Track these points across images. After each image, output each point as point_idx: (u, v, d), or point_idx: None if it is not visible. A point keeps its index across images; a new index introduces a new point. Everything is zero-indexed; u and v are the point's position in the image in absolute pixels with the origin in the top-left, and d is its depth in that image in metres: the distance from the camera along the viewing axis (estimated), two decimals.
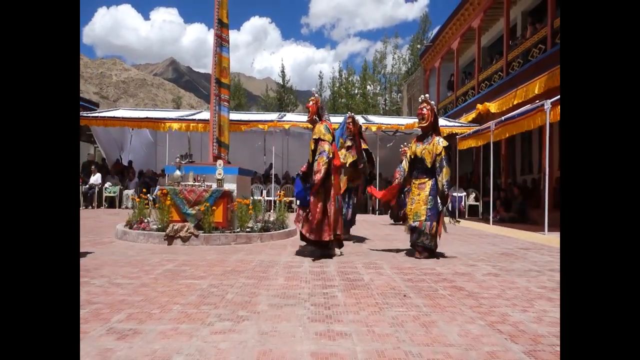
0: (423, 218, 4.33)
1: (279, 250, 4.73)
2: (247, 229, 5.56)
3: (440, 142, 4.41)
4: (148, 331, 2.03)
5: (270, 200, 11.21)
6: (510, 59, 12.45)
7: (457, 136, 11.68)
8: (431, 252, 4.41)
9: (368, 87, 31.11)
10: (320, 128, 4.37)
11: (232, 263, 3.90)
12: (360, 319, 2.29)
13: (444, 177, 4.30)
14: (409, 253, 4.62)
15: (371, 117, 15.00)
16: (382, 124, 12.82)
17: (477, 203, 11.90)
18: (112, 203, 12.38)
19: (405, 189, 5.29)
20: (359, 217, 11.21)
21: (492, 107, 11.56)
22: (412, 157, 4.59)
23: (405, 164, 4.69)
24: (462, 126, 12.72)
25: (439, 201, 4.35)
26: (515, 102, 10.23)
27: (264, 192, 11.81)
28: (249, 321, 2.21)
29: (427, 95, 4.82)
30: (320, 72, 33.05)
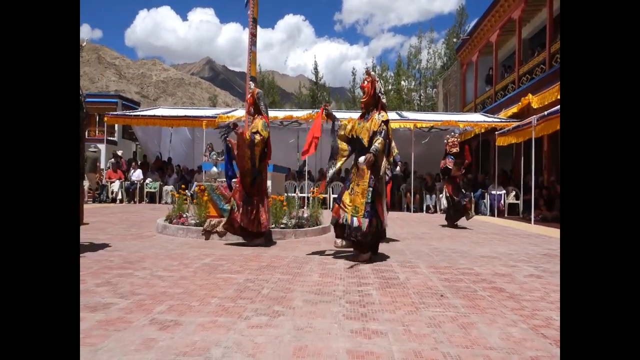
0: (361, 214, 3.77)
1: (313, 247, 4.75)
2: (282, 225, 5.62)
3: (379, 117, 3.88)
4: (188, 323, 2.09)
5: (304, 197, 11.28)
6: (553, 51, 11.88)
7: (496, 132, 11.29)
8: (366, 248, 3.88)
9: (402, 82, 30.61)
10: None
11: (267, 258, 3.95)
12: (396, 318, 2.26)
13: (376, 144, 3.75)
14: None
15: (405, 113, 14.76)
16: (417, 120, 12.59)
17: (518, 201, 11.47)
18: (152, 198, 12.86)
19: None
20: (393, 214, 11.11)
21: (534, 101, 11.08)
22: (350, 137, 4.06)
23: (341, 145, 4.10)
24: (501, 121, 12.29)
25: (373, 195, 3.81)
26: (558, 96, 9.75)
27: (298, 189, 11.90)
28: (285, 316, 2.23)
29: (368, 66, 4.61)
30: (354, 69, 32.78)
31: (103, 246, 4.45)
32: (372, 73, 4.17)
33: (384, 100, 4.06)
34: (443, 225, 7.87)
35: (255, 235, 4.68)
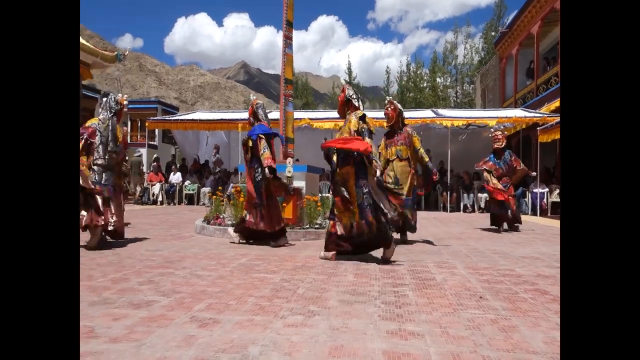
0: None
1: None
2: (316, 226, 5.65)
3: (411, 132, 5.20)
4: (226, 321, 2.14)
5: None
6: None
7: (538, 128, 10.83)
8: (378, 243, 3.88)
9: (438, 79, 29.97)
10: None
11: (302, 258, 3.98)
12: (434, 319, 2.22)
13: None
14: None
15: (441, 111, 14.44)
16: (454, 117, 12.28)
17: None
18: (191, 200, 13.28)
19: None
20: (429, 214, 10.90)
21: None
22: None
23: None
24: (543, 116, 11.77)
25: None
26: None
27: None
28: (320, 316, 2.24)
29: (389, 97, 5.37)
30: (387, 67, 32.40)
31: (146, 246, 4.65)
32: (394, 102, 5.14)
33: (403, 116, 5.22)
34: (488, 229, 7.63)
35: (278, 234, 4.74)
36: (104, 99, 4.78)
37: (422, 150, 5.14)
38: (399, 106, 5.16)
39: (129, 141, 14.96)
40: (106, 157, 4.54)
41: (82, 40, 15.11)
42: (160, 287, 2.80)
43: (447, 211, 11.72)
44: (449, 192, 11.93)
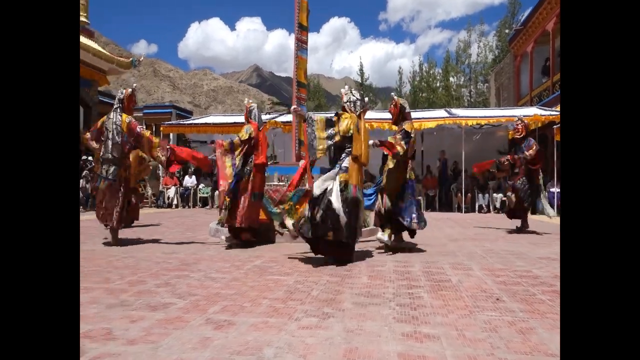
0: None
1: (361, 249, 4.72)
2: None
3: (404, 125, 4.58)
4: (241, 323, 2.16)
5: None
6: None
7: (555, 126, 10.63)
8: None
9: (451, 79, 29.70)
10: (242, 129, 5.02)
11: (316, 260, 3.98)
12: (449, 321, 2.19)
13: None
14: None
15: (455, 111, 14.29)
16: (468, 117, 12.15)
17: None
18: (205, 202, 13.41)
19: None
20: (443, 215, 10.79)
21: None
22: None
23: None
24: (560, 114, 11.55)
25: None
26: None
27: None
28: (334, 318, 2.23)
29: (393, 94, 5.09)
30: (400, 67, 32.26)
31: (162, 249, 4.71)
32: (396, 98, 4.84)
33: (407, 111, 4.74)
34: (511, 230, 7.53)
35: (239, 230, 4.97)
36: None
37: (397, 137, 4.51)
38: (401, 101, 4.78)
39: None
40: (113, 152, 4.87)
41: (98, 47, 15.44)
42: (176, 290, 2.84)
43: (461, 212, 11.59)
44: (463, 193, 11.80)
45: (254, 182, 4.98)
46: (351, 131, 3.89)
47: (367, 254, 4.37)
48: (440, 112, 14.13)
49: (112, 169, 4.85)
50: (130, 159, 5.33)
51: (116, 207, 4.86)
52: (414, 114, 13.32)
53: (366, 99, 4.50)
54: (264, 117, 6.09)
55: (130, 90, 5.23)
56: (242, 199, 4.96)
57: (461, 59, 30.11)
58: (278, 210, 5.61)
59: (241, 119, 16.25)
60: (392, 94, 5.24)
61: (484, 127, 13.00)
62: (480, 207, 11.87)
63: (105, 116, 5.04)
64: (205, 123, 13.98)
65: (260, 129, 5.16)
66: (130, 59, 17.01)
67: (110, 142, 4.90)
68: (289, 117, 12.63)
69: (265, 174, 6.00)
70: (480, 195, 11.95)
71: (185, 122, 14.70)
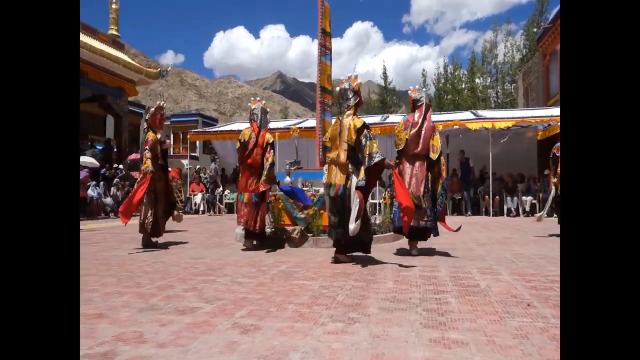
0: None
1: (386, 254, 4.68)
2: None
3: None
4: (267, 328, 2.17)
5: (375, 203, 11.19)
6: None
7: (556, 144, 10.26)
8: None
9: (477, 80, 29.16)
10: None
11: (341, 266, 3.97)
12: (478, 327, 2.14)
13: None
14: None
15: (481, 112, 14.02)
16: (494, 118, 11.89)
17: None
18: (231, 209, 13.61)
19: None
20: (470, 219, 10.56)
21: None
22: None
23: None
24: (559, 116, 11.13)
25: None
26: None
27: (369, 195, 11.83)
28: (360, 323, 2.22)
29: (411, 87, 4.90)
30: (424, 70, 31.91)
31: (189, 254, 4.81)
32: (412, 89, 4.84)
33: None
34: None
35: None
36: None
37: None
38: (413, 95, 4.73)
39: (171, 152, 15.58)
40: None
41: (128, 59, 16.00)
42: (204, 294, 2.89)
43: (489, 215, 11.32)
44: (491, 196, 11.52)
45: (240, 181, 5.24)
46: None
47: (392, 259, 4.33)
48: (466, 114, 13.89)
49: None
50: (163, 173, 5.62)
51: (148, 218, 5.33)
52: (439, 117, 13.13)
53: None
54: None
55: (153, 109, 5.63)
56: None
57: (487, 60, 29.54)
58: (302, 215, 5.65)
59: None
60: (411, 87, 5.05)
61: (512, 129, 12.69)
62: (509, 210, 11.56)
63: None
64: (231, 130, 14.23)
65: (262, 130, 5.24)
66: (158, 69, 17.56)
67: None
68: (312, 123, 12.69)
69: (290, 179, 6.05)
70: (508, 198, 11.64)
71: (210, 130, 15.01)
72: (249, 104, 5.57)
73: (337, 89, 4.30)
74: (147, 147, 5.38)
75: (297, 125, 13.43)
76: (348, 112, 4.15)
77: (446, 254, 4.62)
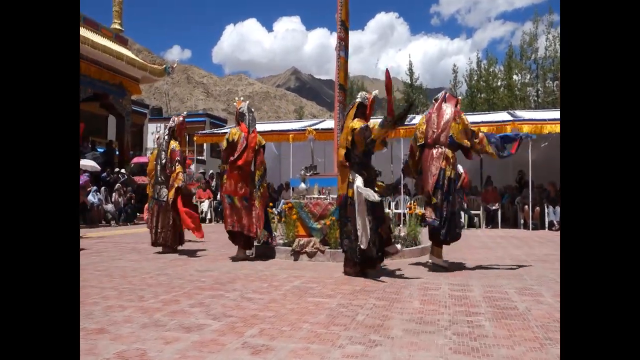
0: None
1: (412, 270, 4.65)
2: None
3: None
4: (280, 348, 2.19)
5: (400, 214, 11.13)
6: None
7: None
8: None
9: (514, 77, 28.79)
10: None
11: (361, 282, 3.97)
12: (516, 355, 2.12)
13: None
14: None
15: (519, 113, 13.83)
16: (535, 120, 11.72)
17: None
18: None
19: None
20: (507, 232, 10.38)
21: None
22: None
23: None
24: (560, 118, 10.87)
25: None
26: None
27: (393, 204, 11.78)
28: (382, 347, 2.22)
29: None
30: (455, 66, 31.67)
31: (195, 266, 4.87)
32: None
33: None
34: None
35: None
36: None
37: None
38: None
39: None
40: (161, 175, 5.90)
41: (131, 55, 16.40)
42: (211, 310, 2.93)
43: (528, 229, 11.12)
44: (530, 207, 11.33)
45: (227, 183, 5.37)
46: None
47: (418, 275, 4.30)
48: (503, 115, 13.72)
49: (163, 191, 5.87)
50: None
51: (168, 227, 5.87)
52: (471, 117, 13.01)
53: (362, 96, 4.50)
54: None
55: (181, 118, 6.25)
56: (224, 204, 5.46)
57: (526, 54, 29.12)
58: (319, 226, 5.67)
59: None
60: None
61: (555, 132, 12.47)
62: (551, 223, 11.32)
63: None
64: None
65: (252, 130, 5.42)
66: (164, 65, 17.93)
67: (159, 167, 5.96)
68: (330, 124, 12.74)
69: (306, 186, 6.08)
70: (550, 209, 11.41)
71: (219, 131, 15.20)
72: (234, 103, 5.78)
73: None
74: (177, 157, 5.81)
75: (313, 127, 13.50)
76: (349, 115, 4.37)
77: (479, 271, 4.56)
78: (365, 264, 4.19)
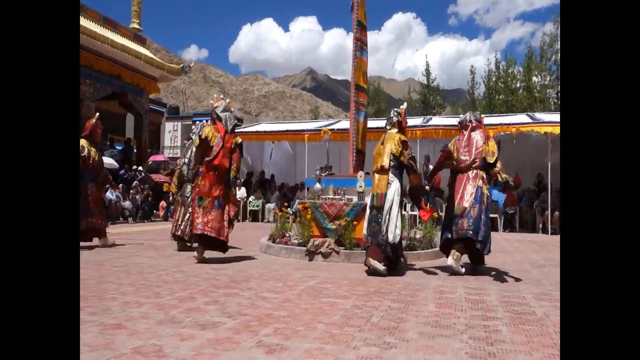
0: None
1: (427, 273, 4.62)
2: None
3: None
4: (294, 348, 2.20)
5: (415, 216, 11.05)
6: None
7: None
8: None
9: (534, 78, 28.36)
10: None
11: (376, 283, 3.96)
12: None
13: None
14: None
15: (539, 115, 13.62)
16: (555, 122, 11.52)
17: None
18: (255, 216, 13.81)
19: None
20: (525, 236, 10.22)
21: None
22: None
23: None
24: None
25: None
26: None
27: (409, 206, 11.71)
28: (397, 349, 2.21)
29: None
30: (472, 67, 31.33)
31: (211, 264, 4.92)
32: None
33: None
34: None
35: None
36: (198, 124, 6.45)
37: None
38: (460, 118, 5.34)
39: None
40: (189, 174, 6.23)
41: (150, 54, 16.63)
42: (226, 308, 2.95)
43: (547, 233, 10.93)
44: (550, 211, 11.14)
45: (201, 184, 5.17)
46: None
47: (434, 278, 4.27)
48: (522, 117, 13.53)
49: (188, 187, 6.21)
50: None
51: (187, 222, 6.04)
52: (489, 119, 12.85)
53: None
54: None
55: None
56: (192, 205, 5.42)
57: (546, 56, 28.65)
58: (334, 226, 5.67)
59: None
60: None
61: None
62: None
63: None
64: (257, 131, 14.46)
65: (229, 130, 5.29)
66: (181, 65, 18.14)
67: (185, 168, 6.30)
68: (345, 124, 12.72)
69: (321, 186, 6.08)
70: None
71: (235, 131, 15.30)
72: (211, 101, 5.69)
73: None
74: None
75: (329, 127, 13.50)
76: (391, 129, 4.87)
77: (496, 276, 4.51)
78: (394, 261, 4.59)
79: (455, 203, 4.67)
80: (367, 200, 4.86)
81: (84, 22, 13.47)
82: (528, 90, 27.98)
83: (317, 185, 6.12)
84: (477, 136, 4.91)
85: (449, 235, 4.67)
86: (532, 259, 5.95)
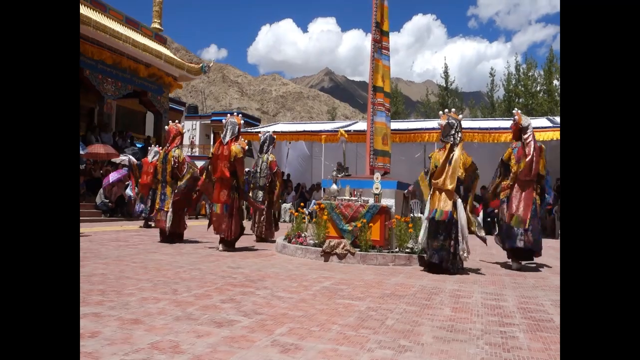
0: None
1: (444, 276, 4.58)
2: (407, 250, 5.55)
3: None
4: (308, 348, 2.20)
5: None
6: None
7: None
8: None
9: (555, 81, 27.87)
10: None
11: (391, 286, 3.94)
12: None
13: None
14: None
15: (559, 119, 13.36)
16: None
17: None
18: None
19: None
20: (543, 242, 10.01)
21: None
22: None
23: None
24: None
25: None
26: None
27: None
28: (412, 352, 2.20)
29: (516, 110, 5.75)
30: (492, 69, 30.93)
31: (227, 263, 4.96)
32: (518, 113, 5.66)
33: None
34: None
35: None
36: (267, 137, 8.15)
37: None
38: (520, 122, 5.52)
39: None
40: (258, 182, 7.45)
41: (170, 54, 16.86)
42: (242, 307, 2.97)
43: None
44: None
45: (214, 193, 6.03)
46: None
47: (450, 282, 4.23)
48: (542, 121, 13.33)
49: (260, 193, 7.45)
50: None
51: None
52: (508, 123, 12.69)
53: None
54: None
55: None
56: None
57: None
58: (350, 228, 5.66)
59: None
60: (515, 109, 5.91)
61: None
62: None
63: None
64: (274, 132, 14.52)
65: (227, 142, 6.00)
66: (200, 64, 18.36)
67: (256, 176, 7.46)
68: (362, 126, 12.69)
69: (337, 187, 6.08)
70: None
71: (253, 130, 15.41)
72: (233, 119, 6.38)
73: (440, 122, 5.20)
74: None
75: (345, 129, 13.48)
76: (458, 147, 5.03)
77: (513, 282, 4.45)
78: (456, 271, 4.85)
79: (515, 214, 5.09)
80: (423, 209, 5.35)
81: (107, 21, 13.73)
82: (549, 94, 27.52)
83: (334, 186, 6.12)
84: (535, 146, 5.25)
85: (515, 245, 5.16)
86: (554, 265, 5.85)
